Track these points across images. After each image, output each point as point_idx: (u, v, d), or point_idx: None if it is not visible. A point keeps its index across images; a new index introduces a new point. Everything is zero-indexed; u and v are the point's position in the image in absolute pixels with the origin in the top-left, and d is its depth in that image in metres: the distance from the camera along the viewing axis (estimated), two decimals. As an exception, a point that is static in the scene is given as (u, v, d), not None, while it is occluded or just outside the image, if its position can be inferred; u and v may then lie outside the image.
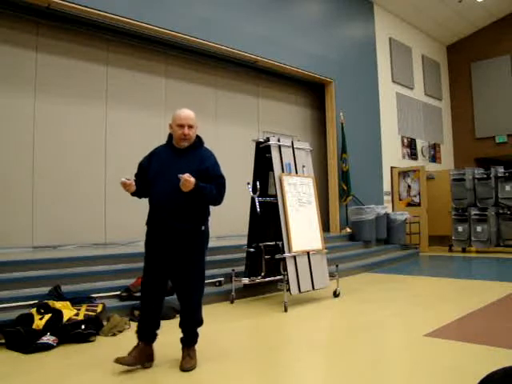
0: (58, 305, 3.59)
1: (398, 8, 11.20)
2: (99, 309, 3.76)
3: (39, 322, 3.34)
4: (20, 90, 5.59)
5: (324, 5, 9.38)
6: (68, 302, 3.70)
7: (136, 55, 6.76)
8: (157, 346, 3.07)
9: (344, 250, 7.60)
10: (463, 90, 13.35)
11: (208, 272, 5.19)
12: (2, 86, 5.45)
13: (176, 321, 2.99)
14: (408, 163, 11.27)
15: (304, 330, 3.94)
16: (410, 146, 11.70)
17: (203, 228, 2.92)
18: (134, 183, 2.79)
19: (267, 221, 5.03)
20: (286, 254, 4.72)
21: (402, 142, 11.41)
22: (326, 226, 8.42)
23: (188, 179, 2.65)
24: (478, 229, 9.51)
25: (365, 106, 10.01)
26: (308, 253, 4.96)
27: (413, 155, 11.73)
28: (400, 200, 10.68)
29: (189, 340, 2.88)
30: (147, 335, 2.82)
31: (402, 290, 5.68)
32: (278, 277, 4.91)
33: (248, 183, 5.03)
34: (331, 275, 5.17)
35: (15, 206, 5.44)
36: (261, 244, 4.99)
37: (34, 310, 3.49)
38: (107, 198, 6.15)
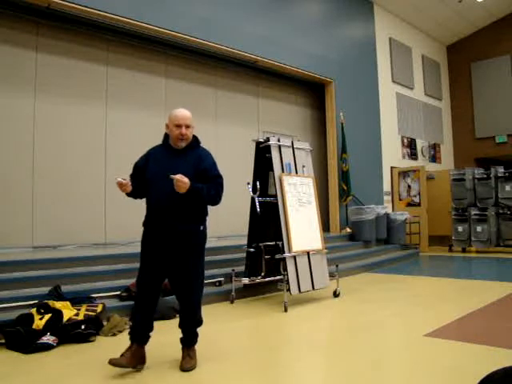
0: (58, 305, 3.59)
1: (398, 8, 11.20)
2: (99, 309, 3.76)
3: (39, 322, 3.34)
4: (20, 90, 5.59)
5: (324, 5, 9.38)
6: (68, 302, 3.70)
7: (136, 55, 6.76)
8: (157, 346, 3.07)
9: (344, 250, 7.60)
10: (463, 89, 13.35)
11: (208, 272, 5.21)
12: (2, 86, 5.45)
13: (176, 321, 2.99)
14: (408, 163, 11.27)
15: (304, 330, 3.94)
16: (410, 146, 11.70)
17: (202, 228, 2.91)
18: (130, 183, 2.76)
19: (267, 221, 5.03)
20: (286, 254, 4.72)
21: (402, 141, 11.41)
22: (326, 226, 8.42)
23: (181, 179, 2.64)
24: (478, 229, 9.51)
25: (365, 106, 10.01)
26: (308, 253, 4.96)
27: (413, 155, 11.73)
28: (400, 200, 10.68)
29: (189, 340, 2.88)
30: (141, 337, 2.80)
31: (402, 289, 5.68)
32: (278, 277, 4.91)
33: (248, 183, 5.03)
34: (331, 275, 5.17)
35: (15, 206, 5.44)
36: (261, 244, 4.99)
37: (34, 310, 3.49)
38: (107, 198, 6.15)
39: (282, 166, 5.05)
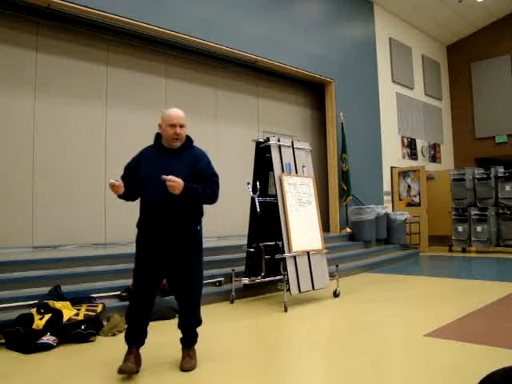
0: (58, 305, 3.59)
1: (398, 8, 11.20)
2: (99, 309, 3.76)
3: (39, 322, 3.34)
4: (20, 90, 5.59)
5: (324, 5, 9.38)
6: (68, 302, 3.70)
7: (136, 55, 6.77)
8: (157, 346, 3.07)
9: (344, 250, 7.60)
10: (463, 89, 13.36)
11: (208, 272, 5.21)
12: (2, 86, 5.45)
13: (176, 321, 2.98)
14: (408, 163, 11.27)
15: (304, 330, 3.94)
16: (410, 146, 11.70)
17: (199, 228, 2.91)
18: (122, 185, 2.71)
19: (267, 221, 5.03)
20: (286, 254, 4.72)
21: (402, 141, 11.41)
22: (326, 226, 8.42)
23: (173, 180, 2.63)
24: (478, 229, 9.51)
25: (365, 106, 10.01)
26: (308, 253, 4.96)
27: (413, 155, 11.73)
28: (400, 200, 10.68)
29: (189, 340, 2.88)
30: (139, 339, 2.78)
31: (402, 289, 5.68)
32: (278, 277, 4.91)
33: (248, 183, 5.03)
34: (331, 275, 5.17)
35: (15, 206, 5.44)
36: (261, 244, 4.99)
37: (34, 310, 3.49)
38: (107, 198, 6.14)
39: (282, 166, 5.05)
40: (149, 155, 2.88)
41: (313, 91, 9.60)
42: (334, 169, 9.09)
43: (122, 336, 3.53)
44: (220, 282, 5.13)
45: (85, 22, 5.95)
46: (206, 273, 5.14)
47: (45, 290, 3.98)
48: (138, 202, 2.94)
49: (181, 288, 2.84)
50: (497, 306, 4.54)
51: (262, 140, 5.17)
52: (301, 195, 5.13)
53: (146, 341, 2.82)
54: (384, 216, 8.65)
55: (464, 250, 10.04)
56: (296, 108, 9.41)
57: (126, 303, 4.14)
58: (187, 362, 2.81)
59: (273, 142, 5.03)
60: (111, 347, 3.27)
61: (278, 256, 4.79)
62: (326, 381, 2.81)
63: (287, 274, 4.64)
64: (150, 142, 3.03)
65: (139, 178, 2.80)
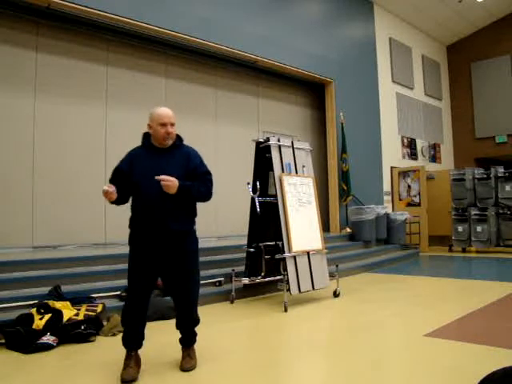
0: (58, 305, 3.59)
1: (398, 8, 11.20)
2: (99, 309, 3.76)
3: (39, 322, 3.34)
4: (20, 90, 5.59)
5: (324, 5, 9.38)
6: (68, 302, 3.70)
7: (136, 55, 6.77)
8: (157, 346, 3.07)
9: (344, 250, 7.60)
10: (463, 89, 13.35)
11: (208, 272, 5.22)
12: (2, 86, 5.45)
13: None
14: (408, 163, 11.27)
15: (304, 330, 3.94)
16: (410, 146, 11.70)
17: (194, 227, 2.91)
18: (115, 191, 2.66)
19: (267, 221, 5.03)
20: (286, 254, 4.72)
21: (402, 141, 11.41)
22: (326, 226, 8.43)
23: (168, 179, 2.61)
24: (478, 229, 9.51)
25: (365, 106, 10.01)
26: (308, 253, 4.96)
27: (413, 155, 11.73)
28: (400, 200, 10.68)
29: (188, 340, 2.88)
30: (137, 342, 2.76)
31: (402, 289, 5.68)
32: (278, 277, 4.91)
33: (248, 183, 5.03)
34: (331, 275, 5.17)
35: (15, 206, 5.44)
36: (261, 244, 4.99)
37: (34, 310, 3.49)
38: (107, 198, 6.14)
39: (282, 166, 5.05)
40: (140, 156, 2.83)
41: (313, 91, 9.60)
42: (334, 169, 9.09)
43: (121, 336, 3.55)
44: (220, 281, 5.13)
45: (85, 22, 5.95)
46: (206, 273, 5.18)
47: (45, 290, 3.98)
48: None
49: (179, 288, 2.82)
50: (497, 306, 4.54)
51: (261, 140, 5.17)
52: (301, 195, 5.13)
53: (144, 342, 2.80)
54: (384, 216, 8.65)
55: (464, 250, 10.04)
56: (296, 108, 9.41)
57: (126, 303, 4.16)
58: (187, 362, 2.80)
59: (273, 142, 5.03)
60: (111, 347, 3.27)
61: (278, 256, 4.79)
62: (326, 381, 2.81)
63: (287, 274, 4.64)
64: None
65: (133, 180, 2.75)
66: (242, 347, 3.45)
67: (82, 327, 3.47)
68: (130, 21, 5.94)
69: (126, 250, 5.64)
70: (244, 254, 5.29)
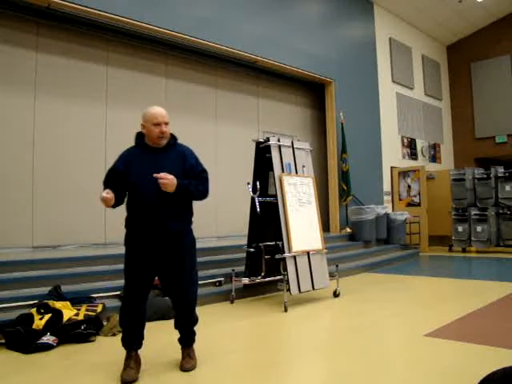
0: (58, 305, 3.59)
1: (398, 8, 11.20)
2: (99, 309, 3.76)
3: (39, 322, 3.34)
4: (20, 90, 5.59)
5: (324, 5, 9.38)
6: (68, 302, 3.70)
7: (136, 55, 6.77)
8: (157, 346, 3.07)
9: (344, 250, 7.60)
10: (463, 89, 13.35)
11: (208, 272, 5.22)
12: (2, 86, 5.45)
13: (176, 321, 2.98)
14: (408, 163, 11.27)
15: (304, 330, 3.94)
16: (410, 146, 11.70)
17: (191, 226, 2.91)
18: (113, 197, 2.64)
19: (267, 221, 5.03)
20: (286, 254, 4.72)
21: (402, 141, 11.41)
22: (326, 226, 8.43)
23: (166, 177, 2.61)
24: (478, 229, 9.51)
25: (365, 106, 10.01)
26: (308, 253, 4.96)
27: (413, 155, 11.73)
28: (400, 200, 10.68)
29: (188, 339, 2.88)
30: (136, 343, 2.76)
31: (402, 289, 5.68)
32: (278, 277, 4.91)
33: (248, 183, 5.03)
34: (331, 275, 5.17)
35: (15, 206, 5.44)
36: (261, 244, 4.99)
37: (34, 310, 3.49)
38: (107, 197, 6.14)
39: (282, 166, 5.05)
40: (135, 156, 2.81)
41: (313, 91, 9.60)
42: (334, 169, 9.09)
43: (121, 337, 3.55)
44: (220, 281, 5.13)
45: (85, 22, 5.95)
46: (206, 273, 5.18)
47: (45, 290, 3.98)
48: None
49: (177, 288, 2.81)
50: (497, 305, 4.55)
51: (261, 140, 5.17)
52: (301, 195, 5.13)
53: (144, 342, 2.80)
54: (384, 216, 8.65)
55: (464, 250, 10.04)
56: (296, 108, 9.41)
57: (126, 303, 4.16)
58: (187, 362, 2.80)
59: (273, 142, 5.03)
60: (111, 347, 3.27)
61: (278, 256, 4.79)
62: (325, 381, 2.81)
63: (287, 274, 4.64)
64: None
65: (129, 180, 2.73)
66: (242, 347, 3.45)
67: (82, 327, 3.47)
68: (130, 21, 5.94)
69: (125, 249, 5.60)
70: (244, 254, 5.29)
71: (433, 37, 13.00)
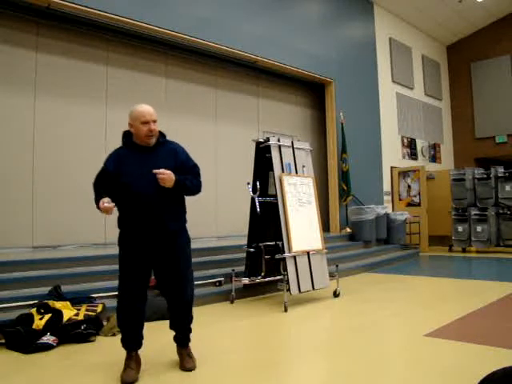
0: (58, 305, 3.59)
1: (398, 8, 11.20)
2: (99, 309, 3.76)
3: (39, 322, 3.34)
4: (20, 90, 5.59)
5: (324, 5, 9.38)
6: (68, 302, 3.70)
7: (136, 55, 6.76)
8: (157, 346, 3.07)
9: (344, 250, 7.60)
10: (463, 89, 13.35)
11: (208, 272, 5.22)
12: (2, 86, 5.45)
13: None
14: (408, 163, 11.27)
15: (304, 330, 3.94)
16: (410, 146, 11.70)
17: (186, 225, 2.91)
18: (114, 206, 2.56)
19: (267, 221, 5.03)
20: (286, 254, 4.72)
21: (402, 141, 11.41)
22: (326, 226, 8.42)
23: (164, 173, 2.60)
24: (478, 229, 9.51)
25: (365, 106, 10.01)
26: (308, 253, 4.96)
27: (413, 155, 11.73)
28: (400, 200, 10.68)
29: (185, 339, 2.87)
30: (136, 344, 2.75)
31: (402, 289, 5.68)
32: (278, 277, 4.91)
33: (248, 183, 5.03)
34: (331, 275, 5.17)
35: (15, 206, 5.44)
36: (261, 244, 4.99)
37: (34, 310, 3.49)
38: (107, 197, 6.14)
39: (282, 166, 5.05)
40: (125, 156, 2.76)
41: (313, 91, 9.60)
42: (334, 169, 9.09)
43: (120, 338, 3.55)
44: (220, 281, 5.13)
45: (85, 22, 5.95)
46: (206, 273, 5.18)
47: (45, 290, 3.98)
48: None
49: (175, 288, 2.80)
50: (497, 305, 4.55)
51: (261, 140, 5.17)
52: (301, 195, 5.13)
53: (144, 342, 2.80)
54: (384, 216, 8.65)
55: (464, 250, 10.04)
56: (296, 108, 9.41)
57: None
58: (188, 362, 2.80)
59: (273, 142, 5.03)
60: (111, 347, 3.27)
61: (278, 256, 4.79)
62: (325, 381, 2.81)
63: (287, 274, 4.64)
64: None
65: (121, 180, 2.68)
66: (241, 347, 3.45)
67: (82, 327, 3.47)
68: (130, 21, 5.94)
69: (126, 250, 5.59)
70: (244, 254, 5.29)
71: (433, 37, 13.00)
